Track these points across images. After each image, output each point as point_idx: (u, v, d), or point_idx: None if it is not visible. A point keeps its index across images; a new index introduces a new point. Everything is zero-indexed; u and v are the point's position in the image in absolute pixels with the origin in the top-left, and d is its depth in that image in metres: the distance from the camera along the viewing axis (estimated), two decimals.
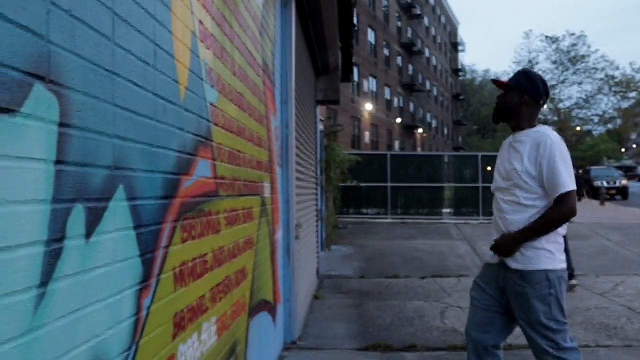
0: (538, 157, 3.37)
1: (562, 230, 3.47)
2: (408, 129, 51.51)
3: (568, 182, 3.32)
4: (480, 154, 22.22)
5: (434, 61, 63.14)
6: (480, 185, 21.51)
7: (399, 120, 47.94)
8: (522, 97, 3.54)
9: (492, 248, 3.54)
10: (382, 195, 21.61)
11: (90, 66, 1.66)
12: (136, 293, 1.97)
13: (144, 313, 2.04)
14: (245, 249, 3.81)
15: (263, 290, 4.59)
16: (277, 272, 5.34)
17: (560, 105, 56.94)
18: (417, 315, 7.27)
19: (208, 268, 2.89)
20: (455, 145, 72.15)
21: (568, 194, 3.32)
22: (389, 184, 21.51)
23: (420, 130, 55.06)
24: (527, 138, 3.47)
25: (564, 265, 3.46)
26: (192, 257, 2.62)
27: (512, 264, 3.44)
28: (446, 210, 22.19)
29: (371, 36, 41.60)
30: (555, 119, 56.98)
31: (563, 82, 56.06)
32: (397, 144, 47.97)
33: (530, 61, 56.59)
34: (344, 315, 7.31)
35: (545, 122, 56.63)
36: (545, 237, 3.38)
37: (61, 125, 1.49)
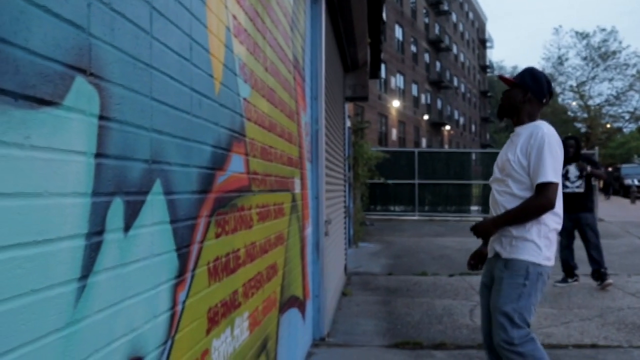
0: (528, 147, 3.41)
1: (555, 224, 3.48)
2: (435, 125, 51.25)
3: (549, 173, 3.33)
4: None
5: (461, 57, 62.71)
6: None
7: (426, 117, 47.73)
8: (525, 94, 3.60)
9: (472, 228, 3.65)
10: (409, 192, 21.51)
11: (129, 59, 1.66)
12: (172, 287, 1.97)
13: (179, 307, 2.03)
14: (276, 245, 3.81)
15: (293, 286, 4.58)
16: (306, 268, 5.33)
17: (590, 102, 56.17)
18: (445, 312, 7.22)
19: (240, 263, 2.89)
20: (483, 142, 71.62)
21: (547, 184, 3.33)
22: (417, 181, 21.41)
23: (448, 127, 54.75)
24: (524, 131, 3.53)
25: (548, 263, 3.44)
26: (226, 252, 2.61)
27: (503, 252, 3.50)
28: (474, 208, 22.03)
29: (398, 32, 41.44)
30: (585, 115, 56.28)
31: (593, 78, 55.25)
32: (424, 141, 47.75)
33: (559, 57, 55.92)
34: (372, 311, 7.28)
35: (574, 119, 56.14)
36: (536, 231, 3.41)
37: (101, 118, 1.49)
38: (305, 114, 5.36)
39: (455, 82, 59.74)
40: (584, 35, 54.97)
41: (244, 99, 2.98)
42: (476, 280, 9.38)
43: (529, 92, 3.59)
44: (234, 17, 2.82)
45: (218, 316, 2.50)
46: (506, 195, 3.50)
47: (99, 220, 1.47)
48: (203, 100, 2.31)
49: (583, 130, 55.92)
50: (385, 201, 21.50)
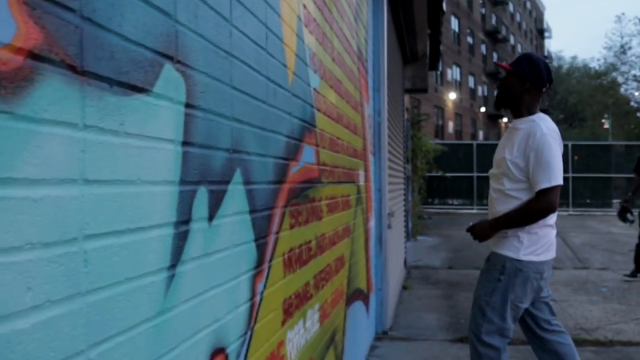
0: (527, 148, 3.23)
1: (549, 220, 3.31)
2: (492, 118, 50.45)
3: (551, 176, 3.17)
4: (570, 143, 21.48)
5: (519, 48, 61.46)
6: (570, 175, 20.84)
7: (483, 109, 47.01)
8: (523, 83, 3.38)
9: (468, 230, 3.54)
10: (467, 185, 21.23)
11: (212, 47, 1.64)
12: (251, 278, 1.95)
13: (257, 298, 2.02)
14: (343, 237, 3.77)
15: (358, 279, 4.55)
16: (369, 260, 5.29)
17: None
18: None
19: (312, 255, 2.87)
20: None
21: (549, 189, 3.17)
22: (475, 174, 21.11)
23: (505, 120, 53.73)
24: (522, 126, 3.35)
25: (532, 258, 3.27)
26: (299, 243, 2.59)
27: (491, 245, 3.44)
28: None
29: (454, 24, 40.90)
30: None
31: None
32: (481, 134, 47.08)
33: (622, 46, 54.08)
34: (434, 305, 7.20)
35: (638, 110, 54.44)
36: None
37: (187, 105, 1.48)
38: (369, 106, 5.31)
39: None
40: None
41: (314, 89, 2.95)
42: None
43: (527, 82, 3.36)
44: (304, 6, 2.79)
45: (292, 308, 2.48)
46: (499, 193, 3.39)
47: (186, 209, 1.46)
48: (278, 90, 2.29)
49: None
50: (442, 194, 21.29)
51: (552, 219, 3.34)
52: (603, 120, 53.94)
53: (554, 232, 3.41)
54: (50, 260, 0.97)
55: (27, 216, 0.92)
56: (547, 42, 77.73)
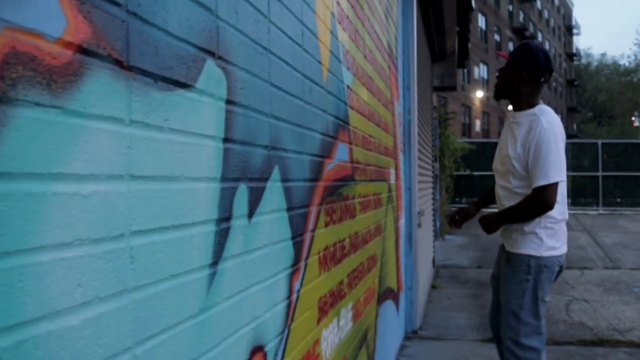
0: (526, 144, 3.17)
1: (559, 215, 3.24)
2: None
3: (549, 174, 3.09)
4: (600, 141, 21.20)
5: (547, 45, 60.75)
6: (599, 173, 20.57)
7: (510, 108, 46.51)
8: (520, 74, 3.30)
9: (480, 220, 3.48)
10: (495, 184, 21.03)
11: (251, 43, 1.63)
12: (288, 276, 1.94)
13: (294, 296, 2.01)
14: (375, 235, 3.75)
15: (388, 278, 4.52)
16: (400, 259, 5.26)
17: None
18: None
19: (345, 253, 2.85)
20: (569, 133, 69.14)
21: (545, 186, 3.09)
22: None
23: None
24: (524, 120, 3.26)
25: (553, 253, 3.22)
26: (333, 241, 2.58)
27: (505, 245, 3.37)
28: None
29: (481, 21, 40.58)
30: None
31: None
32: None
33: None
34: (463, 305, 7.14)
35: None
36: (537, 221, 3.21)
37: (227, 102, 1.47)
38: (399, 104, 5.27)
39: None
40: None
41: (347, 86, 2.93)
42: (570, 274, 9.07)
43: (524, 71, 3.28)
44: (338, 2, 2.77)
45: (327, 306, 2.46)
46: (506, 190, 3.34)
47: (227, 206, 1.45)
48: (313, 87, 2.27)
49: None
50: (470, 193, 21.11)
51: (562, 214, 3.29)
52: (633, 118, 53.21)
53: (565, 224, 3.38)
54: (98, 257, 0.97)
55: (77, 212, 0.92)
56: (575, 39, 76.78)
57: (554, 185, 3.11)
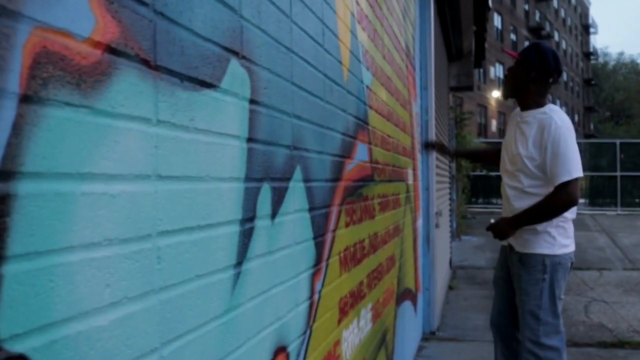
0: (542, 141, 3.13)
1: (570, 214, 3.23)
2: None
3: (571, 169, 3.07)
4: (618, 141, 20.99)
5: (563, 45, 60.39)
6: (618, 174, 20.37)
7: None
8: (529, 73, 3.28)
9: (488, 229, 3.43)
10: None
11: (274, 43, 1.63)
12: (310, 276, 1.93)
13: (316, 297, 2.00)
14: (393, 236, 3.74)
15: (407, 278, 4.50)
16: (417, 260, 5.24)
17: None
18: None
19: (365, 254, 2.84)
20: (587, 133, 68.68)
21: (569, 182, 3.06)
22: None
23: None
24: (533, 119, 3.23)
25: (566, 250, 3.22)
26: (354, 241, 2.57)
27: (515, 245, 3.33)
28: (580, 200, 21.17)
29: (497, 21, 40.39)
30: None
31: None
32: None
33: None
34: (481, 306, 7.09)
35: None
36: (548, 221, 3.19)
37: (251, 102, 1.46)
38: (416, 104, 5.25)
39: None
40: None
41: (367, 86, 2.92)
42: (588, 275, 9.01)
43: (533, 71, 3.27)
44: (357, 2, 2.76)
45: (347, 307, 2.46)
46: (517, 190, 3.29)
47: (251, 206, 1.45)
48: (334, 87, 2.27)
49: None
50: (487, 194, 21.02)
51: (573, 213, 3.28)
52: None
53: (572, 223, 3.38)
54: (126, 257, 0.97)
55: (105, 212, 0.92)
56: (592, 38, 76.22)
57: (576, 181, 3.10)
